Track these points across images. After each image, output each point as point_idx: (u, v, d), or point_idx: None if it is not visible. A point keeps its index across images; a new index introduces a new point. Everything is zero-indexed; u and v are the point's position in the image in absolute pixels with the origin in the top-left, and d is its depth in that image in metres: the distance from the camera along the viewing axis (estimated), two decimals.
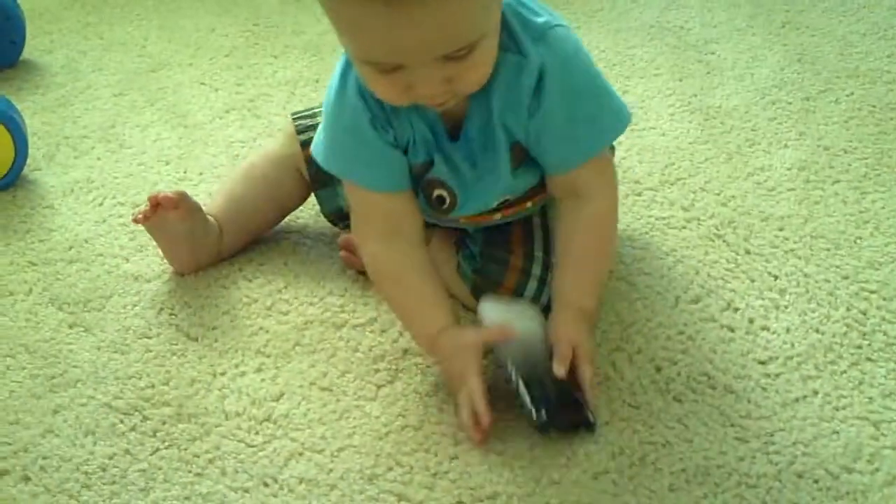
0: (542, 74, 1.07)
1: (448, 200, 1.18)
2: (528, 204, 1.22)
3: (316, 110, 1.36)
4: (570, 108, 1.10)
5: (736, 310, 1.25)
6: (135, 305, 1.28)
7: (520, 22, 1.08)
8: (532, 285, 1.20)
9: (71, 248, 1.38)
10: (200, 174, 1.52)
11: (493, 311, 1.15)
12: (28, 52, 1.85)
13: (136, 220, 1.29)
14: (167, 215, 1.28)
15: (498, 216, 1.22)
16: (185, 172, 1.53)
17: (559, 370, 1.08)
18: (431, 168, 1.16)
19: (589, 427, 1.09)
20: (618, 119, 1.15)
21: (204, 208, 1.33)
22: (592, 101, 1.12)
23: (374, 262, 1.18)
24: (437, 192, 1.18)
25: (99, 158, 1.58)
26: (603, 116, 1.13)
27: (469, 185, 1.17)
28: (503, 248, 1.22)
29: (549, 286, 1.20)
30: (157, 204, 1.27)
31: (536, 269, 1.20)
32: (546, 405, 1.07)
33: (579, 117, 1.11)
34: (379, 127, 1.12)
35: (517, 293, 1.19)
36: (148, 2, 2.06)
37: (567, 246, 1.17)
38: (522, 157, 1.15)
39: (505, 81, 1.08)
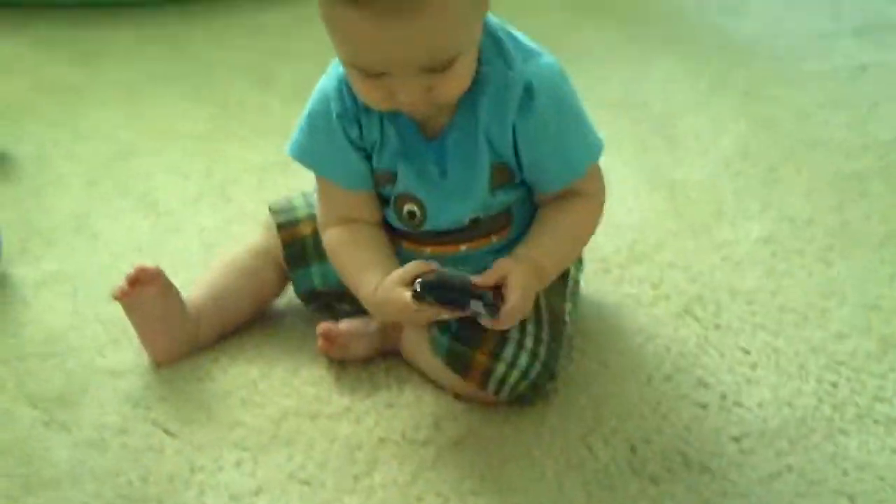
0: (530, 88, 1.14)
1: (418, 213, 1.22)
2: (493, 238, 1.24)
3: (292, 198, 1.39)
4: (560, 121, 1.17)
5: (707, 386, 1.26)
6: (110, 401, 1.27)
7: (511, 41, 1.17)
8: (510, 349, 1.20)
9: (45, 342, 1.38)
10: (173, 264, 1.52)
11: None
12: None
13: (115, 297, 1.29)
14: (144, 291, 1.28)
15: (463, 248, 1.24)
16: (157, 261, 1.53)
17: (476, 278, 1.12)
18: (395, 179, 1.20)
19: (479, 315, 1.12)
20: (598, 140, 1.22)
21: (189, 301, 1.33)
22: (580, 118, 1.20)
23: (330, 242, 1.25)
24: (407, 207, 1.22)
25: (71, 249, 1.58)
26: (588, 133, 1.21)
27: (439, 195, 1.20)
28: None
29: (528, 353, 1.20)
30: (135, 280, 1.28)
31: (515, 333, 1.20)
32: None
33: (570, 130, 1.18)
34: (346, 122, 1.18)
35: (494, 355, 1.19)
36: (117, 89, 2.07)
37: (543, 219, 1.22)
38: (504, 179, 1.20)
39: (492, 93, 1.15)
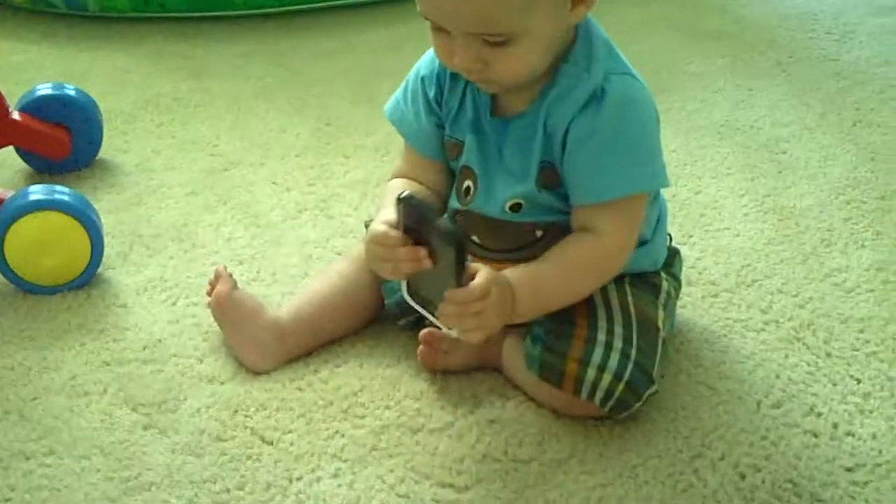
0: (601, 94, 1.13)
1: (472, 190, 1.23)
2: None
3: None
4: (614, 137, 1.15)
5: (819, 414, 1.22)
6: (209, 407, 1.27)
7: (607, 52, 1.16)
8: (598, 352, 1.17)
9: (145, 348, 1.38)
10: (273, 275, 1.52)
11: None
12: (104, 152, 1.88)
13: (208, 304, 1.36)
14: (218, 293, 1.34)
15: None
16: (258, 272, 1.53)
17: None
18: (463, 150, 1.22)
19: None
20: (644, 181, 1.18)
21: (284, 307, 1.36)
22: (637, 147, 1.17)
23: (387, 184, 1.31)
24: (465, 182, 1.24)
25: (172, 258, 1.58)
26: (637, 167, 1.17)
27: (492, 173, 1.21)
28: (568, 322, 1.20)
29: (619, 354, 1.16)
30: (213, 283, 1.36)
31: (601, 336, 1.18)
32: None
33: (618, 151, 1.15)
34: (427, 83, 1.25)
35: (584, 362, 1.16)
36: (219, 102, 2.09)
37: (545, 255, 1.18)
38: (551, 182, 1.19)
39: (562, 88, 1.15)
